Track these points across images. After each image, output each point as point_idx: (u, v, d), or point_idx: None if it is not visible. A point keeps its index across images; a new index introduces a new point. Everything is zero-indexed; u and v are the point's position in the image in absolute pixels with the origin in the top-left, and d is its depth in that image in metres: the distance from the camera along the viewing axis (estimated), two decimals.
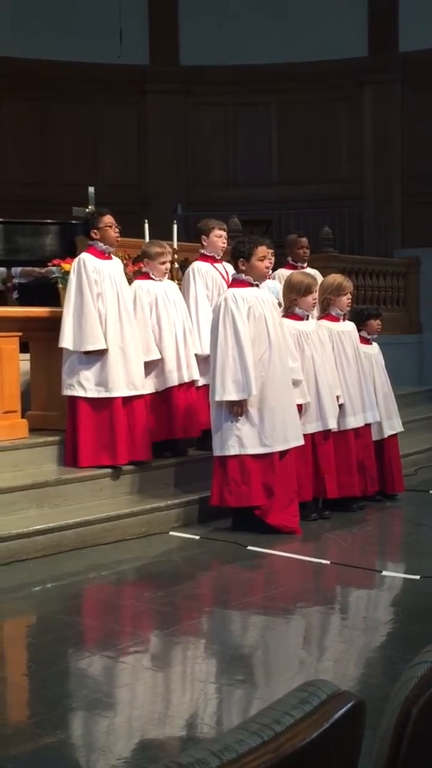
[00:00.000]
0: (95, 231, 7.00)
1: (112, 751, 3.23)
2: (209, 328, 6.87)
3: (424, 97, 15.46)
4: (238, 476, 6.47)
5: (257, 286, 6.65)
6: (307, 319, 7.16)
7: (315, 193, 15.59)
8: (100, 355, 6.81)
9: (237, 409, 6.46)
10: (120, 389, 6.84)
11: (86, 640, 4.54)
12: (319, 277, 8.09)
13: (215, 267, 7.66)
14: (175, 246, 8.33)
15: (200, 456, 7.30)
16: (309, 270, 8.48)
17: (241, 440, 6.48)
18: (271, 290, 7.28)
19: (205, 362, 7.12)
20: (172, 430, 7.27)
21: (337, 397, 7.19)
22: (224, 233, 7.77)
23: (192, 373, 7.31)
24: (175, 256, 8.22)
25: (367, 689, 3.68)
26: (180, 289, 7.58)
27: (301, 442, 6.67)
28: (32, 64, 14.98)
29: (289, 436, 6.56)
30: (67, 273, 7.21)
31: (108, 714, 3.57)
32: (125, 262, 7.74)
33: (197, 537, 6.44)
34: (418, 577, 5.44)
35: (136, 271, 7.77)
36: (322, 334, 7.21)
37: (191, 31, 16.00)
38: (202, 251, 7.73)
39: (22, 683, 4.10)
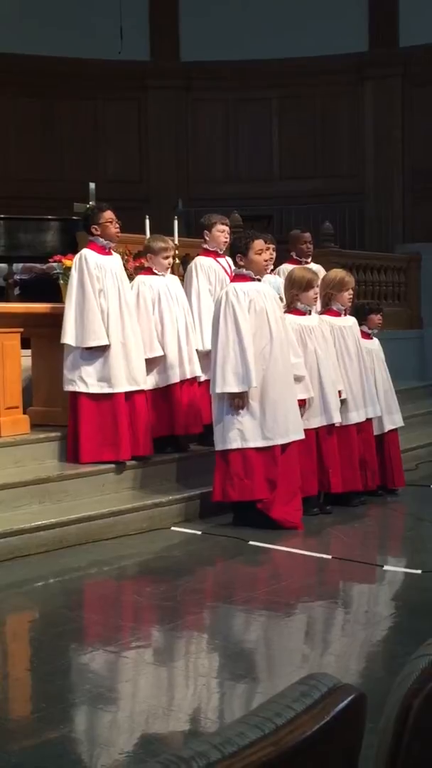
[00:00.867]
0: (96, 227, 6.99)
1: (115, 745, 3.25)
2: (211, 323, 6.88)
3: (424, 92, 15.44)
4: (240, 470, 6.47)
5: (258, 280, 6.66)
6: (309, 314, 7.17)
7: (316, 188, 15.59)
8: (102, 350, 6.82)
9: (238, 401, 6.46)
10: (122, 385, 6.85)
11: (88, 635, 4.55)
12: (322, 272, 8.08)
13: (218, 262, 7.66)
14: (176, 242, 8.33)
15: (202, 451, 7.30)
16: (312, 265, 8.48)
17: (242, 433, 6.48)
18: (272, 285, 7.29)
19: (206, 358, 7.12)
20: (174, 427, 7.27)
21: (339, 392, 7.19)
22: (227, 228, 7.77)
23: (194, 369, 7.31)
24: (176, 252, 8.21)
25: (369, 683, 3.69)
26: (182, 283, 7.58)
27: (302, 436, 6.67)
28: (33, 60, 14.97)
29: (290, 429, 6.57)
30: (69, 269, 7.21)
31: (111, 708, 3.58)
32: (126, 257, 7.74)
33: (199, 532, 6.44)
34: (419, 571, 5.44)
35: (137, 267, 7.77)
36: (324, 329, 7.21)
37: (192, 27, 15.98)
38: (204, 246, 7.73)
39: (25, 678, 4.11)
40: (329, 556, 5.84)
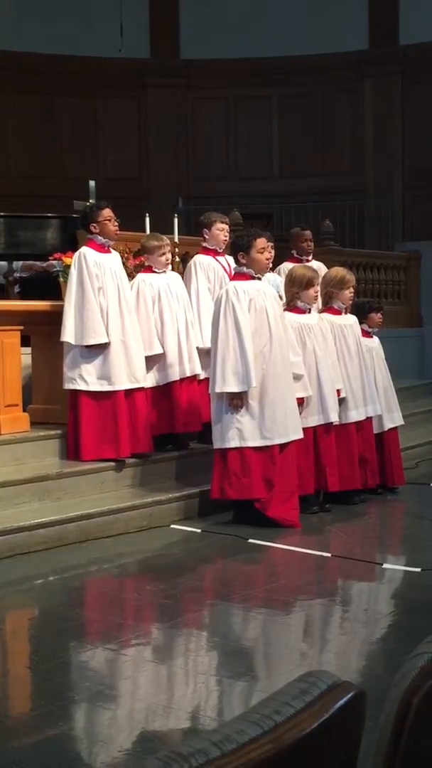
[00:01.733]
0: (94, 225, 6.99)
1: (114, 742, 3.25)
2: (210, 322, 6.88)
3: (424, 90, 15.44)
4: (238, 469, 6.48)
5: (259, 278, 6.66)
6: (309, 312, 7.17)
7: (316, 186, 15.58)
8: (102, 348, 6.82)
9: (237, 401, 6.47)
10: (122, 382, 6.85)
11: (88, 632, 4.55)
12: (323, 270, 8.09)
13: (217, 260, 7.66)
14: (176, 240, 8.33)
15: (202, 449, 7.30)
16: (314, 263, 8.48)
17: (241, 433, 6.48)
18: (271, 283, 7.29)
19: (206, 356, 7.12)
20: (174, 425, 7.27)
21: (338, 391, 7.19)
22: (226, 226, 7.76)
23: (194, 367, 7.31)
24: (176, 250, 8.21)
25: (368, 681, 3.69)
26: (182, 281, 7.58)
27: (301, 435, 6.67)
28: (33, 57, 14.96)
29: (290, 429, 6.57)
30: (69, 267, 7.20)
31: (110, 706, 3.58)
32: (126, 256, 7.74)
33: (198, 530, 6.44)
34: (418, 569, 5.44)
35: (137, 265, 7.77)
36: (324, 328, 7.21)
37: (191, 24, 15.98)
38: (204, 244, 7.73)
39: (25, 676, 4.11)
40: (329, 554, 5.85)
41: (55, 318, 7.00)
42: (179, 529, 6.51)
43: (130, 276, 7.29)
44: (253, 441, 6.48)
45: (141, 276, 7.31)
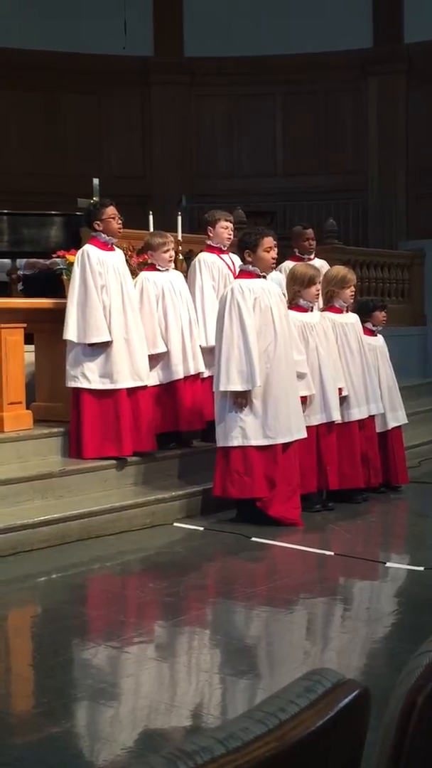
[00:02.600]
0: (98, 222, 6.99)
1: (117, 740, 3.25)
2: (215, 320, 6.87)
3: (429, 89, 15.41)
4: (240, 467, 6.48)
5: (264, 277, 6.65)
6: (311, 310, 7.16)
7: (320, 184, 15.57)
8: (105, 346, 6.82)
9: (241, 400, 6.47)
10: (125, 380, 6.85)
11: (91, 630, 4.55)
12: (326, 268, 8.09)
13: (221, 258, 7.66)
14: (180, 237, 8.32)
15: (205, 447, 7.30)
16: (316, 261, 8.48)
17: (244, 431, 6.48)
18: (275, 281, 7.28)
19: (210, 354, 7.11)
20: (177, 423, 7.27)
21: (340, 390, 7.18)
22: (230, 224, 7.75)
23: (198, 365, 7.31)
24: (180, 248, 8.20)
25: (372, 679, 3.68)
26: (186, 280, 7.58)
27: (305, 434, 6.67)
28: (37, 55, 14.95)
29: (293, 428, 6.57)
30: (72, 264, 7.20)
31: (113, 704, 3.58)
32: (129, 254, 7.74)
33: (201, 528, 6.45)
34: (421, 568, 5.44)
35: (140, 263, 7.77)
36: (326, 326, 7.21)
37: (195, 22, 15.96)
38: (208, 242, 7.72)
39: (27, 673, 4.11)
40: (331, 553, 5.85)
41: (59, 315, 7.00)
42: (182, 527, 6.51)
43: (133, 274, 7.29)
44: (256, 440, 6.48)
45: (145, 274, 7.31)
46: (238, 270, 6.99)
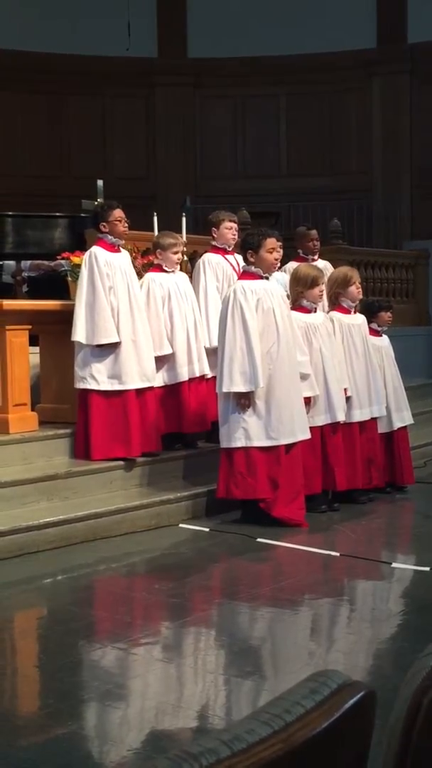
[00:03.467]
0: (104, 224, 7.00)
1: (124, 742, 3.25)
2: (218, 321, 6.87)
3: None
4: (244, 468, 6.48)
5: (266, 278, 6.65)
6: (315, 311, 7.16)
7: (324, 185, 15.57)
8: (113, 347, 6.83)
9: (244, 401, 6.47)
10: (133, 381, 6.86)
11: (97, 631, 4.56)
12: (329, 269, 8.08)
13: (226, 259, 7.66)
14: (184, 239, 8.32)
15: (210, 448, 7.30)
16: (319, 262, 8.47)
17: (247, 432, 6.48)
18: (279, 282, 7.28)
19: (213, 355, 7.11)
20: (182, 424, 7.28)
21: (345, 390, 7.18)
22: (235, 225, 7.76)
23: (203, 367, 7.32)
24: (184, 249, 8.21)
25: (377, 681, 3.68)
26: (190, 281, 7.58)
27: (308, 435, 6.67)
28: (41, 57, 14.98)
29: (296, 429, 6.56)
30: (77, 266, 7.22)
31: (119, 705, 3.58)
32: (134, 255, 7.74)
33: (207, 529, 6.45)
34: (427, 568, 5.44)
35: (145, 264, 7.77)
36: (329, 327, 7.21)
37: (199, 23, 15.98)
38: (213, 243, 7.73)
39: (34, 675, 4.12)
40: (337, 554, 5.84)
41: (64, 317, 7.01)
42: (187, 528, 6.51)
43: (138, 275, 7.30)
44: (259, 441, 6.48)
45: (150, 275, 7.31)
46: (240, 271, 6.99)
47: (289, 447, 6.55)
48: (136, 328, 6.92)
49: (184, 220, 8.57)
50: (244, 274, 6.72)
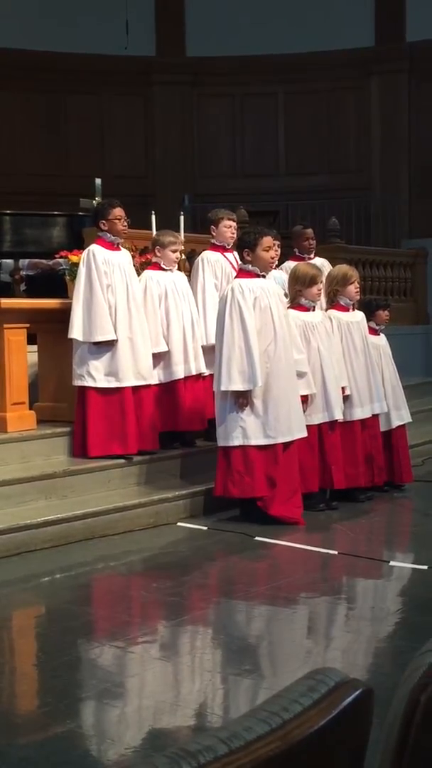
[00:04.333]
0: (104, 222, 7.01)
1: (122, 740, 3.25)
2: (216, 319, 6.87)
3: (431, 87, 15.39)
4: (241, 467, 6.48)
5: (263, 276, 6.65)
6: (313, 309, 7.16)
7: (322, 183, 15.56)
8: (110, 345, 6.84)
9: (242, 400, 6.47)
10: (129, 379, 6.87)
11: (95, 630, 4.56)
12: (327, 266, 8.08)
13: (225, 257, 7.66)
14: (182, 237, 8.32)
15: (208, 447, 7.30)
16: (318, 260, 8.48)
17: (245, 431, 6.48)
18: (277, 281, 7.28)
19: (211, 353, 7.12)
20: (178, 422, 7.28)
21: (343, 389, 7.18)
22: (233, 223, 7.77)
23: (199, 365, 7.32)
24: (182, 248, 8.20)
25: (375, 678, 3.69)
26: (188, 280, 7.58)
27: (305, 434, 6.67)
28: (39, 56, 14.96)
29: (293, 427, 6.57)
30: (75, 265, 7.22)
31: (117, 703, 3.58)
32: (132, 253, 7.74)
33: (205, 528, 6.45)
34: (426, 567, 5.44)
35: (143, 263, 7.77)
36: (327, 325, 7.21)
37: (198, 22, 15.96)
38: (212, 241, 7.73)
39: (32, 673, 4.12)
40: (335, 552, 5.84)
41: (62, 316, 7.01)
42: (185, 526, 6.51)
43: (137, 273, 7.29)
44: (257, 439, 6.49)
45: (148, 273, 7.32)
46: (238, 269, 6.99)
47: (286, 445, 6.56)
48: (133, 326, 6.93)
49: (182, 218, 8.56)
50: (241, 273, 6.72)
